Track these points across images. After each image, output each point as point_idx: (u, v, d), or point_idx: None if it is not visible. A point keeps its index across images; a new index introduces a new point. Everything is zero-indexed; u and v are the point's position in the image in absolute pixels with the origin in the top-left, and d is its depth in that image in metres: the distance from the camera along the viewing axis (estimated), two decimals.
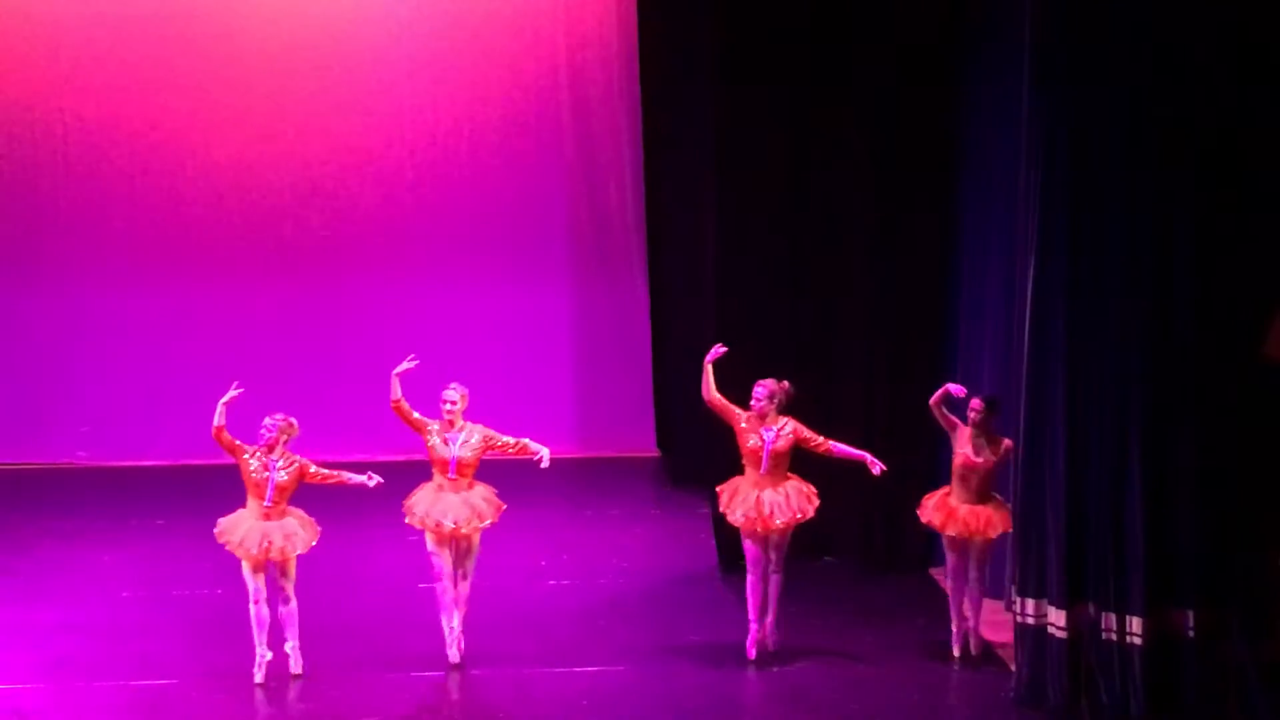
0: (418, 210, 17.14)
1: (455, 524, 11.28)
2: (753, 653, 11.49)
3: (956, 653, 11.56)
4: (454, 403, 11.32)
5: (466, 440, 11.32)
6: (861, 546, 13.00)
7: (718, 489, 11.64)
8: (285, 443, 11.05)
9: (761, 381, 11.43)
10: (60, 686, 10.96)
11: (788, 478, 11.48)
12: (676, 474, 15.30)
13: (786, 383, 11.49)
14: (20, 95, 16.64)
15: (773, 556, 11.52)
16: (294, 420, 11.12)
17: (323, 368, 17.10)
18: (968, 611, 11.53)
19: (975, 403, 11.27)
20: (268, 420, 11.06)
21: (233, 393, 10.97)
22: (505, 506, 11.43)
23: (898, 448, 12.02)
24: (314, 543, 11.13)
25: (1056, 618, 10.41)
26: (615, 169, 17.19)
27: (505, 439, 11.39)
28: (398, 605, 12.50)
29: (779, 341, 12.90)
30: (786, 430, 11.40)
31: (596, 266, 17.38)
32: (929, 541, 13.10)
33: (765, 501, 11.36)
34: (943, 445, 11.76)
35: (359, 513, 12.53)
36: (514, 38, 16.94)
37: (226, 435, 10.96)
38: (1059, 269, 10.27)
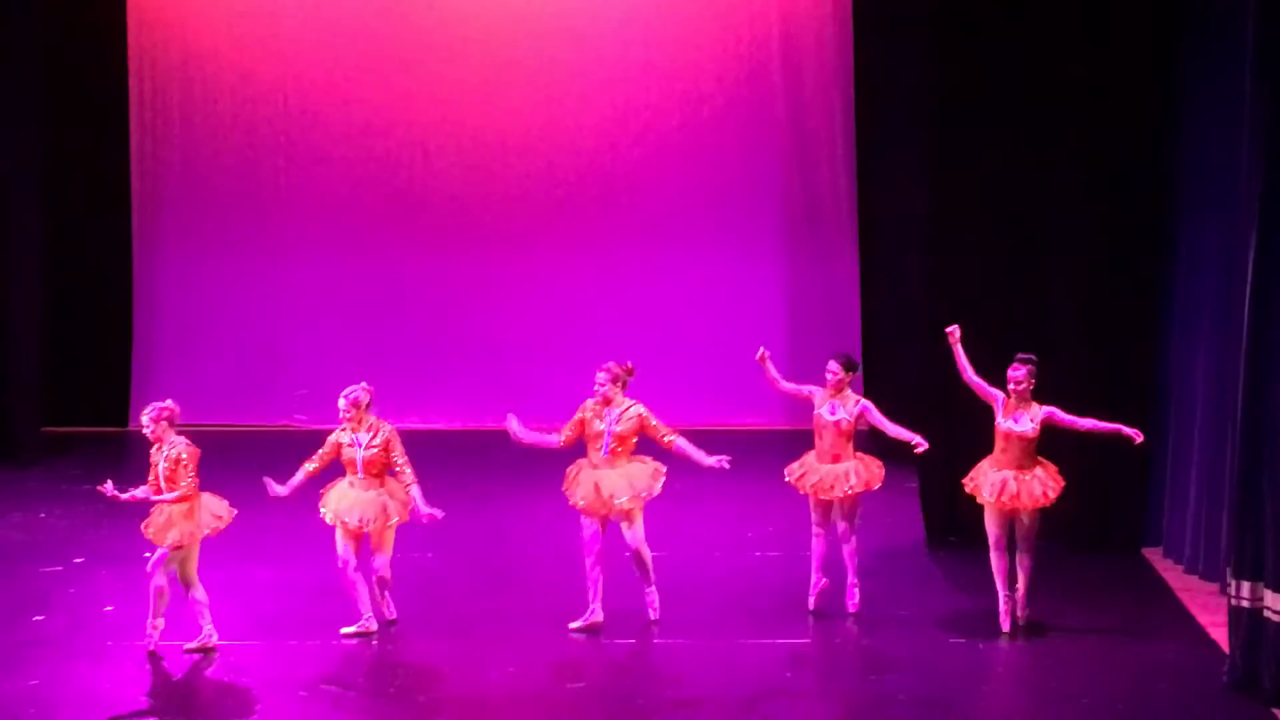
0: (634, 188, 17.27)
1: (361, 522, 11.25)
2: (589, 620, 11.33)
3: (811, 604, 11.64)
4: (354, 404, 11.30)
5: (370, 441, 11.25)
6: (1070, 527, 12.75)
7: (567, 471, 11.48)
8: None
9: (604, 365, 11.31)
10: (272, 644, 11.20)
11: (631, 459, 11.32)
12: (884, 449, 15.20)
13: (629, 363, 11.37)
14: (242, 77, 17.06)
15: (627, 536, 11.35)
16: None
17: (536, 340, 17.25)
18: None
19: (832, 365, 11.45)
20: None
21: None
22: (414, 505, 11.26)
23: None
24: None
25: (1273, 601, 10.10)
26: (828, 148, 17.16)
27: (398, 458, 11.29)
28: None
29: (988, 329, 12.71)
30: (630, 413, 11.25)
31: (808, 245, 17.36)
32: (1139, 522, 12.90)
33: (607, 483, 11.21)
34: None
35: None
36: (728, 16, 16.98)
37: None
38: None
